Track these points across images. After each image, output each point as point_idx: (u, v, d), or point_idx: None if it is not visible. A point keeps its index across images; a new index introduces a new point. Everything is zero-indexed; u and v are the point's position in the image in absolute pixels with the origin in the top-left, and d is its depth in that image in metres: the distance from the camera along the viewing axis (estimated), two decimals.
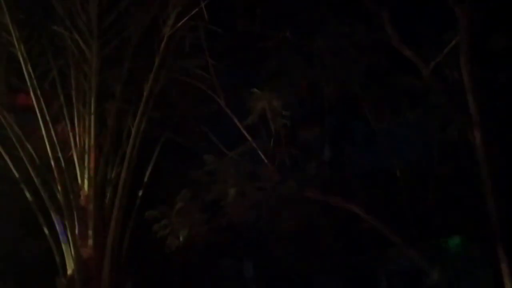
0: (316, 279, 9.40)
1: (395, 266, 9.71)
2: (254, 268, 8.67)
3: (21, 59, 5.30)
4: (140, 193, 5.89)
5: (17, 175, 5.68)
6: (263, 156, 6.02)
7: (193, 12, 5.48)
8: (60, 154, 5.47)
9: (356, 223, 6.76)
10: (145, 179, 5.99)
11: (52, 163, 5.44)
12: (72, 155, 5.67)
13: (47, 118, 5.46)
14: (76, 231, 5.37)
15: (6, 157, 5.73)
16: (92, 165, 5.58)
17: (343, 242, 7.61)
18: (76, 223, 5.39)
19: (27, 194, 5.62)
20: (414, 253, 5.95)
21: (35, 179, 5.52)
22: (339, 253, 7.84)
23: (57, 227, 5.35)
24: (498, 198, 5.56)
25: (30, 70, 5.33)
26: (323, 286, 9.24)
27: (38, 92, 5.40)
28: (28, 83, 5.33)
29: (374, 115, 6.73)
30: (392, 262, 9.67)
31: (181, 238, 5.22)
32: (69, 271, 5.29)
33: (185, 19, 5.53)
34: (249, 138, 6.06)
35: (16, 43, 5.26)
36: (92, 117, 5.63)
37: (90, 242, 5.34)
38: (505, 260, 5.37)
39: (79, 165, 5.69)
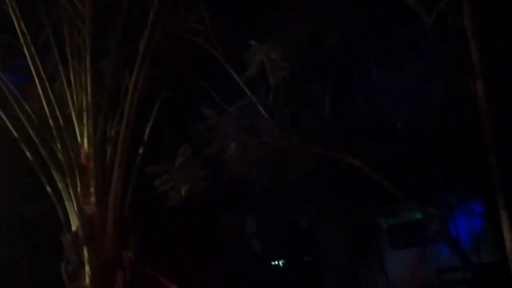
0: (318, 233, 9.58)
1: (396, 219, 9.86)
2: (256, 223, 8.81)
3: (13, 16, 5.16)
4: (141, 150, 5.88)
5: (16, 135, 5.66)
6: (262, 111, 5.98)
7: None
8: (58, 113, 5.43)
9: (357, 177, 6.79)
10: (145, 136, 5.97)
11: (51, 121, 5.41)
12: (70, 114, 5.63)
13: (43, 76, 5.38)
14: (78, 189, 5.40)
15: (4, 118, 5.70)
16: (90, 123, 5.55)
17: (344, 196, 7.67)
18: (78, 181, 5.42)
19: (28, 154, 5.62)
20: (414, 205, 6.00)
21: (35, 138, 5.52)
22: (340, 207, 7.92)
23: None
24: (498, 149, 5.56)
25: (23, 27, 5.21)
26: (325, 240, 9.41)
27: (32, 50, 5.30)
28: (22, 41, 5.21)
29: (375, 67, 6.63)
30: (392, 215, 9.80)
31: (182, 193, 5.25)
32: (73, 228, 5.36)
33: None
34: (249, 93, 6.00)
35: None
36: (88, 74, 5.55)
37: (93, 199, 5.38)
38: (504, 210, 5.43)
39: (77, 124, 5.67)
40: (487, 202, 6.18)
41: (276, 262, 10.81)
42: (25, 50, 5.27)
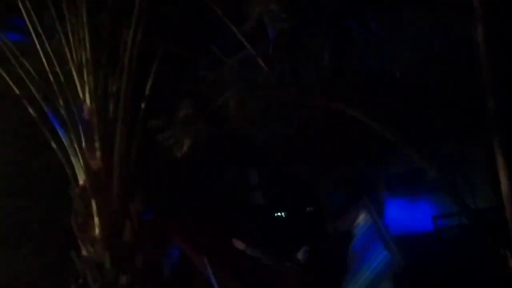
0: (319, 184, 9.78)
1: (394, 169, 10.06)
2: (259, 176, 8.97)
3: None
4: (143, 105, 5.93)
5: (17, 92, 5.70)
6: (262, 64, 5.98)
7: None
8: (58, 69, 5.46)
9: (356, 127, 6.87)
10: (147, 92, 6.00)
11: (51, 78, 5.45)
12: (70, 70, 5.65)
13: (40, 32, 5.37)
14: (83, 144, 5.51)
15: (5, 75, 5.72)
16: (91, 79, 5.58)
17: (344, 146, 7.77)
18: (82, 136, 5.52)
19: (30, 110, 5.68)
20: (413, 152, 6.11)
21: (36, 95, 5.57)
22: (340, 158, 8.04)
23: None
24: (497, 95, 5.60)
25: None
26: (325, 190, 9.64)
27: (28, 6, 5.26)
28: None
29: (375, 16, 6.55)
30: (391, 166, 9.99)
31: (185, 147, 5.36)
32: (81, 182, 5.51)
33: None
34: (248, 46, 5.98)
35: None
36: (86, 29, 5.53)
37: (98, 154, 5.50)
38: (501, 155, 5.54)
39: (78, 80, 5.70)
40: (484, 148, 6.29)
41: (279, 214, 11.10)
42: (21, 7, 5.24)
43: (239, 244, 5.72)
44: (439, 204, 8.63)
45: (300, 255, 5.47)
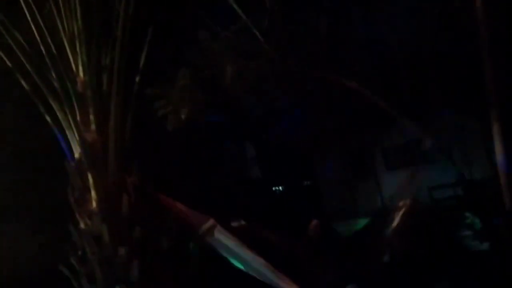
0: (316, 157, 9.82)
1: (391, 140, 10.08)
2: (256, 149, 8.97)
3: None
4: (138, 76, 5.85)
5: (10, 64, 5.60)
6: (258, 35, 5.89)
7: None
8: (50, 41, 5.35)
9: (354, 98, 6.84)
10: (141, 62, 5.91)
11: (43, 49, 5.35)
12: (62, 42, 5.54)
13: (30, 2, 5.25)
14: (78, 117, 5.45)
15: None
16: (83, 50, 5.48)
17: (341, 117, 7.77)
18: (76, 109, 5.46)
19: (23, 83, 5.60)
20: (409, 122, 6.11)
21: (29, 67, 5.47)
22: (337, 129, 8.06)
23: None
24: (495, 63, 5.55)
25: None
26: (322, 162, 9.68)
27: None
28: None
29: None
30: (388, 139, 10.01)
31: (182, 117, 5.32)
32: (76, 155, 5.48)
33: None
34: (243, 16, 5.87)
35: None
36: None
37: (93, 127, 5.45)
38: (497, 124, 5.53)
39: (71, 52, 5.59)
40: (480, 118, 6.28)
41: (276, 188, 11.15)
42: None
43: (235, 223, 5.72)
44: (435, 176, 8.69)
45: (311, 231, 5.47)
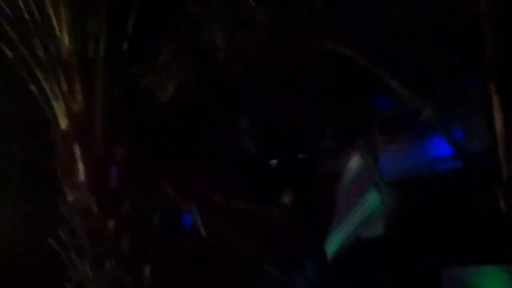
0: (311, 130, 9.64)
1: (388, 114, 9.91)
2: (250, 121, 8.79)
3: None
4: (125, 46, 5.64)
5: None
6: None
7: None
8: (33, 5, 5.13)
9: (351, 68, 6.65)
10: (129, 30, 5.69)
11: (26, 16, 5.14)
12: (46, 7, 5.31)
13: None
14: (63, 87, 5.28)
15: None
16: (68, 17, 5.25)
17: (337, 88, 7.57)
18: (61, 78, 5.28)
19: (7, 52, 5.40)
20: (408, 92, 5.95)
21: (12, 35, 5.27)
22: (333, 100, 7.86)
23: None
24: (496, 34, 5.39)
25: None
26: (318, 136, 9.51)
27: None
28: None
29: None
30: (385, 110, 9.83)
31: (169, 91, 5.16)
32: (63, 126, 5.32)
33: None
34: None
35: None
36: None
37: (79, 96, 5.27)
38: (497, 93, 5.40)
39: (55, 18, 5.35)
40: (480, 87, 6.12)
41: (271, 161, 11.03)
42: None
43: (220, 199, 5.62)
44: (434, 148, 8.56)
45: (285, 199, 5.42)
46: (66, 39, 5.35)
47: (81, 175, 5.21)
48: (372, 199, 6.13)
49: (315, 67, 7.27)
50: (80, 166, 5.20)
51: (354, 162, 6.34)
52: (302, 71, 7.18)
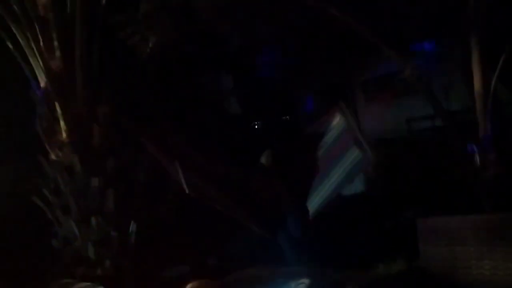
0: (294, 91, 9.67)
1: (370, 73, 9.96)
2: (234, 81, 8.73)
3: None
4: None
5: None
6: None
7: None
8: None
9: (334, 28, 6.61)
10: None
11: None
12: None
13: None
14: (41, 43, 5.13)
15: None
16: None
17: (320, 49, 7.56)
18: (39, 35, 5.13)
19: None
20: (390, 52, 5.95)
21: None
22: (316, 61, 7.87)
23: None
24: None
25: None
26: (301, 97, 9.55)
27: None
28: None
29: None
30: (367, 71, 9.87)
31: (150, 44, 5.06)
32: (42, 84, 5.22)
33: None
34: None
35: None
36: None
37: (58, 53, 5.15)
38: (477, 51, 5.45)
39: None
40: (460, 46, 6.18)
41: (254, 123, 11.03)
42: None
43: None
44: (413, 108, 8.68)
45: (263, 159, 5.46)
46: None
47: (63, 134, 5.15)
48: (354, 158, 6.23)
49: (297, 27, 7.20)
50: (62, 125, 5.13)
51: (336, 122, 6.38)
52: (286, 31, 7.11)
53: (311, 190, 5.81)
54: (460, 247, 3.38)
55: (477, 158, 5.67)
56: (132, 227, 5.08)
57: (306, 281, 3.17)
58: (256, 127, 10.34)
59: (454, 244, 3.41)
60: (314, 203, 5.87)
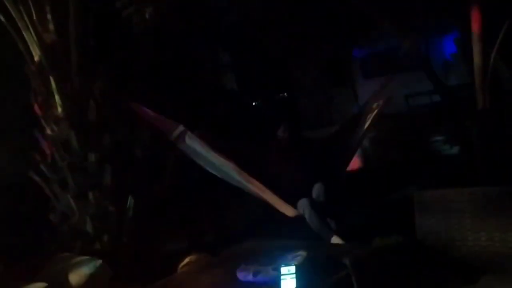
0: (292, 66, 9.58)
1: (369, 49, 9.88)
2: (231, 55, 8.63)
3: None
4: None
5: None
6: None
7: None
8: None
9: (330, 4, 6.52)
10: None
11: None
12: None
13: None
14: (34, 16, 5.04)
15: None
16: None
17: (317, 24, 7.45)
18: (31, 7, 5.03)
19: None
20: (388, 24, 5.90)
21: None
22: (313, 36, 7.77)
23: None
24: None
25: None
26: (298, 71, 9.48)
27: None
28: None
29: None
30: (365, 46, 9.78)
31: (147, 16, 4.97)
32: (36, 58, 5.14)
33: None
34: None
35: None
36: None
37: (51, 26, 5.06)
38: (477, 28, 5.39)
39: None
40: (460, 22, 6.11)
41: (252, 101, 10.98)
42: None
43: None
44: (412, 84, 8.64)
45: (280, 132, 5.48)
46: None
47: (59, 109, 5.10)
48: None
49: (295, 3, 7.10)
50: (57, 99, 5.08)
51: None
52: (283, 6, 7.01)
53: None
54: (457, 219, 3.37)
55: (474, 132, 5.68)
56: (130, 202, 5.08)
57: (303, 253, 3.19)
58: (255, 104, 10.29)
59: (450, 216, 3.40)
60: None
